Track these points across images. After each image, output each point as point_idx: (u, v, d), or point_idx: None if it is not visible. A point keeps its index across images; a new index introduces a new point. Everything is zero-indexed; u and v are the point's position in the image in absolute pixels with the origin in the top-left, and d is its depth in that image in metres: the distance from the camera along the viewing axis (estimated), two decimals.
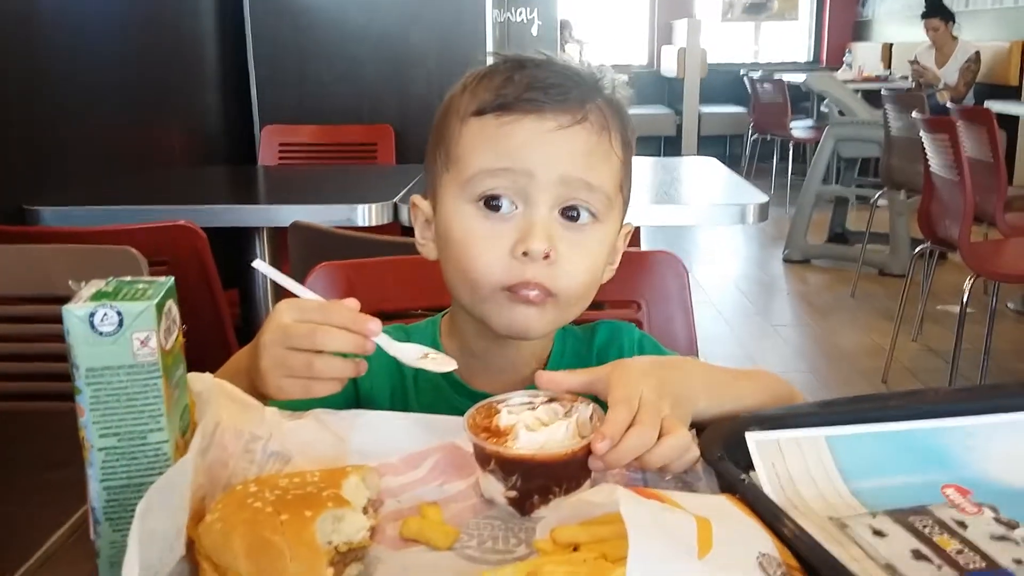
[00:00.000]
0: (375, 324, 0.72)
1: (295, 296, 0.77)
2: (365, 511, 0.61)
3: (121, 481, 0.58)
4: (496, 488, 0.67)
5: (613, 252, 0.92)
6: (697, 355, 1.17)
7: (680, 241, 5.75)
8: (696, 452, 0.69)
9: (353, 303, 0.73)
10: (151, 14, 2.80)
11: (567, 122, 0.82)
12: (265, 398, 0.74)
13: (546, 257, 0.81)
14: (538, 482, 0.66)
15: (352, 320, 0.71)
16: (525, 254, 0.81)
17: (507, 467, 0.66)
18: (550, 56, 0.88)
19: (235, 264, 2.10)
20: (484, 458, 0.67)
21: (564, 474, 0.67)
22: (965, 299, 2.95)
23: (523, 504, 0.66)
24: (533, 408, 0.71)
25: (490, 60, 0.89)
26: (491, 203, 0.83)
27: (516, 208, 0.83)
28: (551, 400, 0.73)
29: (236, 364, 0.79)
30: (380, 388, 0.94)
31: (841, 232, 5.43)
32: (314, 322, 0.71)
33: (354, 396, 0.93)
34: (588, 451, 0.66)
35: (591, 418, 0.70)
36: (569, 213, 0.84)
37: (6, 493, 0.78)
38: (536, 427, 0.68)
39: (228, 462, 0.66)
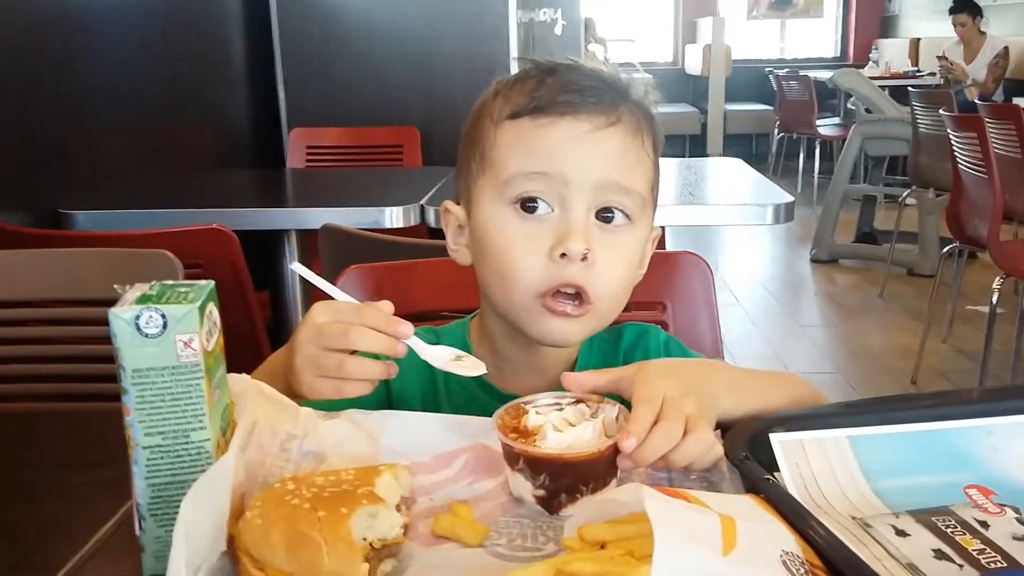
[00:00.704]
0: (407, 327, 0.74)
1: (330, 298, 0.79)
2: (398, 508, 0.63)
3: (165, 478, 0.61)
4: (525, 487, 0.68)
5: (642, 255, 0.93)
6: (722, 356, 1.18)
7: (706, 241, 5.73)
8: (719, 450, 0.70)
9: (387, 306, 0.75)
10: (180, 19, 2.85)
11: (602, 124, 0.84)
12: (299, 398, 0.76)
13: (584, 259, 0.82)
14: (566, 481, 0.67)
15: (384, 322, 0.73)
16: (563, 255, 0.82)
17: (535, 466, 0.68)
18: (578, 61, 0.89)
19: (266, 266, 2.13)
20: (513, 457, 0.69)
21: (591, 473, 0.68)
22: (995, 299, 2.92)
23: (551, 503, 0.68)
24: (560, 409, 0.73)
25: (516, 66, 0.91)
26: (527, 205, 0.84)
27: (552, 211, 0.84)
28: (578, 401, 0.74)
29: (272, 365, 0.81)
30: (412, 390, 0.95)
31: (869, 231, 5.39)
32: (347, 323, 0.73)
33: (386, 397, 0.94)
34: (615, 450, 0.67)
35: (617, 418, 0.71)
36: (604, 215, 0.85)
37: (51, 491, 0.80)
38: (563, 427, 0.70)
39: (265, 460, 0.69)
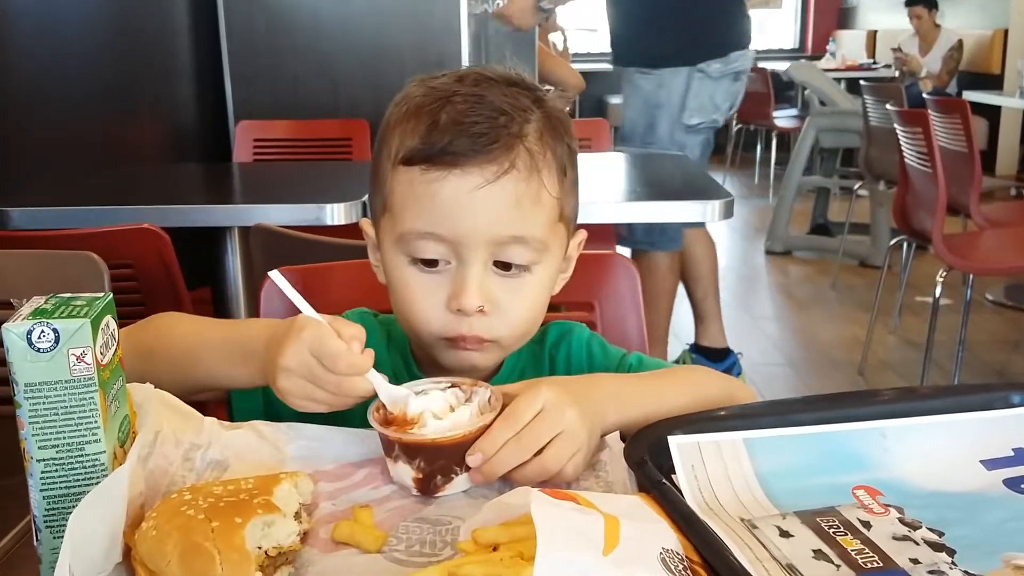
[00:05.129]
0: (366, 387, 0.74)
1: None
2: (297, 516, 0.64)
3: (60, 491, 0.61)
4: (404, 472, 0.72)
5: (566, 261, 0.94)
6: (646, 351, 1.20)
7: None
8: (569, 475, 0.73)
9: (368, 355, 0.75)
10: (123, 8, 2.80)
11: (492, 175, 0.81)
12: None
13: (481, 310, 0.83)
14: (440, 464, 0.72)
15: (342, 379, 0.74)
16: (460, 310, 0.83)
17: (410, 452, 0.72)
18: (486, 76, 0.86)
19: (208, 261, 2.11)
20: (389, 446, 0.73)
21: (462, 455, 0.72)
22: (938, 292, 2.98)
23: (428, 484, 0.72)
24: (442, 391, 0.77)
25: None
26: (424, 261, 0.84)
27: (450, 263, 0.84)
28: (452, 385, 0.78)
29: (245, 336, 0.82)
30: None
31: (823, 223, 5.46)
32: (329, 379, 0.74)
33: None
34: (481, 434, 0.72)
35: (489, 400, 0.76)
36: (502, 264, 0.85)
37: None
38: (443, 414, 0.74)
39: (168, 470, 0.69)
